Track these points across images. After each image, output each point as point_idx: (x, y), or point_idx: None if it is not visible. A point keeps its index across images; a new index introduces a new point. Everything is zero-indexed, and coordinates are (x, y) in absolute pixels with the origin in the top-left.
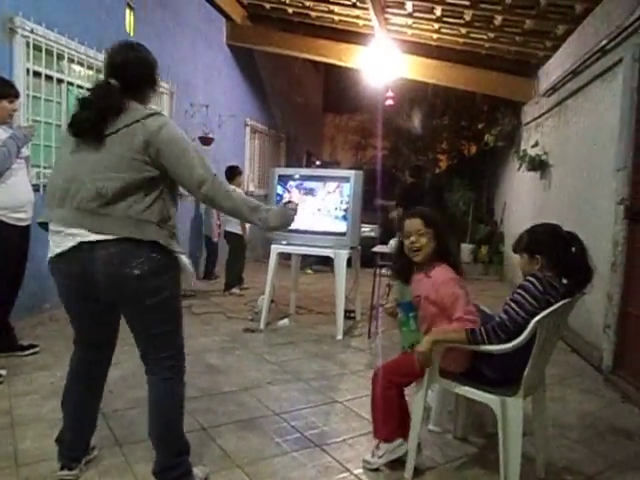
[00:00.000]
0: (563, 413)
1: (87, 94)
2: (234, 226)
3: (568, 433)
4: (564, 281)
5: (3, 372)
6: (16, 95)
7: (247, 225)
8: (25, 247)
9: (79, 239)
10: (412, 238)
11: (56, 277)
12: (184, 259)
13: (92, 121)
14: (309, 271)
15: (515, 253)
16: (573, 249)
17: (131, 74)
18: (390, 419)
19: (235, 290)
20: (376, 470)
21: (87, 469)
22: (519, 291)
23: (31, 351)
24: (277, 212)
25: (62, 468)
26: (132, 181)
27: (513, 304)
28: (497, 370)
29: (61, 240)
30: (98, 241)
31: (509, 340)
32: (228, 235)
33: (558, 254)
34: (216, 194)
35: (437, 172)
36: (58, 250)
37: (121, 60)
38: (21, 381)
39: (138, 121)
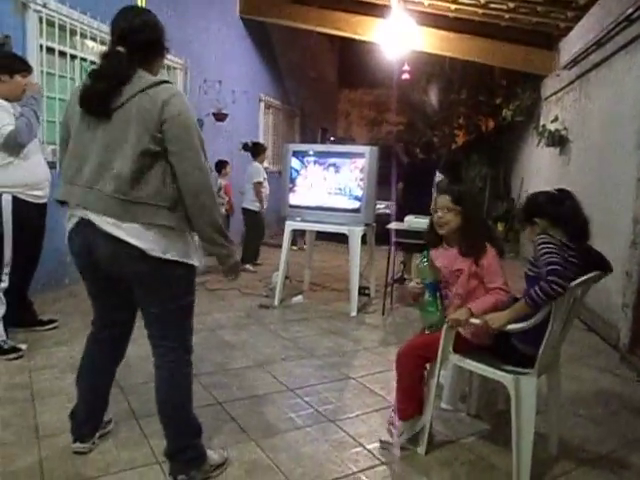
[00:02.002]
0: (578, 391)
1: (96, 65)
2: (250, 202)
3: (582, 411)
4: (571, 244)
5: (23, 346)
6: (29, 70)
7: (264, 200)
8: (42, 224)
9: (80, 215)
10: (439, 213)
11: (71, 253)
12: (195, 240)
13: (100, 94)
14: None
15: (523, 230)
16: (567, 202)
17: (138, 40)
18: (414, 398)
19: (248, 266)
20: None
21: (104, 441)
22: (540, 247)
23: (51, 326)
24: (234, 264)
25: (75, 441)
26: (140, 160)
27: (546, 255)
28: (531, 343)
29: (70, 217)
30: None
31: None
32: (245, 211)
33: (554, 211)
34: (205, 204)
35: (453, 148)
36: (69, 226)
37: (127, 26)
38: (41, 355)
39: (143, 90)
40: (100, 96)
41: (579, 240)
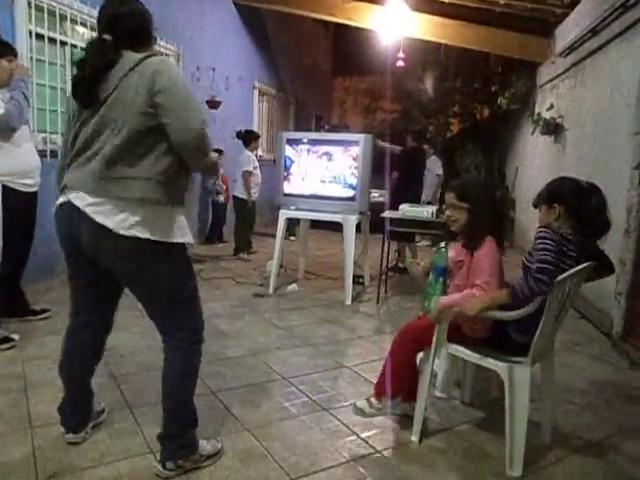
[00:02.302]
0: (571, 379)
1: (82, 54)
2: (240, 190)
3: (575, 399)
4: (578, 242)
5: (16, 337)
6: (14, 54)
7: (252, 190)
8: (33, 213)
9: (67, 197)
10: (448, 212)
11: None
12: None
13: (85, 83)
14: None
15: (535, 208)
16: (593, 200)
17: (124, 27)
18: (402, 379)
19: (243, 255)
20: (382, 433)
21: (98, 431)
22: (538, 242)
23: (43, 315)
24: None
25: (67, 432)
26: (133, 136)
27: (540, 252)
28: (527, 332)
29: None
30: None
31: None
32: (235, 199)
33: (576, 204)
34: (206, 152)
35: (448, 136)
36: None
37: (114, 13)
38: (33, 345)
39: (132, 69)
40: (85, 84)
41: (588, 237)
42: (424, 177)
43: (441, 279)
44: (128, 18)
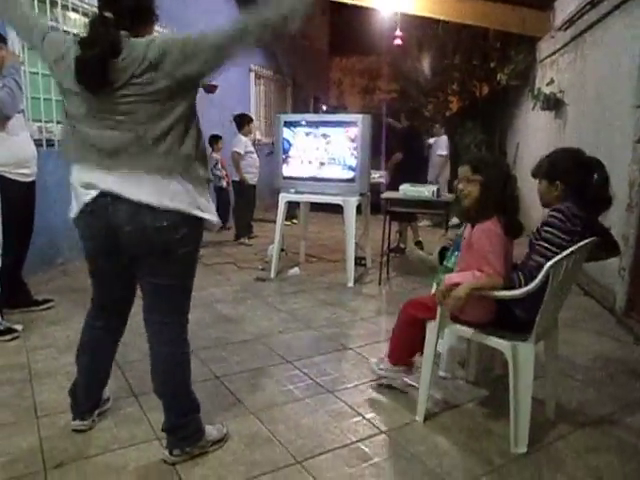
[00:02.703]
0: (575, 355)
1: (85, 33)
2: (236, 174)
3: (579, 375)
4: (580, 213)
5: (19, 327)
6: (4, 42)
7: (250, 174)
8: (32, 203)
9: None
10: (460, 185)
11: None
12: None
13: (94, 63)
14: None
15: (535, 178)
16: (595, 176)
17: (126, 5)
18: (404, 350)
19: (244, 240)
20: (387, 413)
21: (103, 419)
22: (546, 228)
23: (46, 306)
24: None
25: (74, 419)
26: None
27: (545, 243)
28: (530, 310)
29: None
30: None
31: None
32: (233, 183)
33: (579, 180)
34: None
35: (448, 115)
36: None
37: None
38: (37, 335)
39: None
40: (94, 64)
41: (589, 213)
42: (429, 156)
43: (456, 252)
44: None
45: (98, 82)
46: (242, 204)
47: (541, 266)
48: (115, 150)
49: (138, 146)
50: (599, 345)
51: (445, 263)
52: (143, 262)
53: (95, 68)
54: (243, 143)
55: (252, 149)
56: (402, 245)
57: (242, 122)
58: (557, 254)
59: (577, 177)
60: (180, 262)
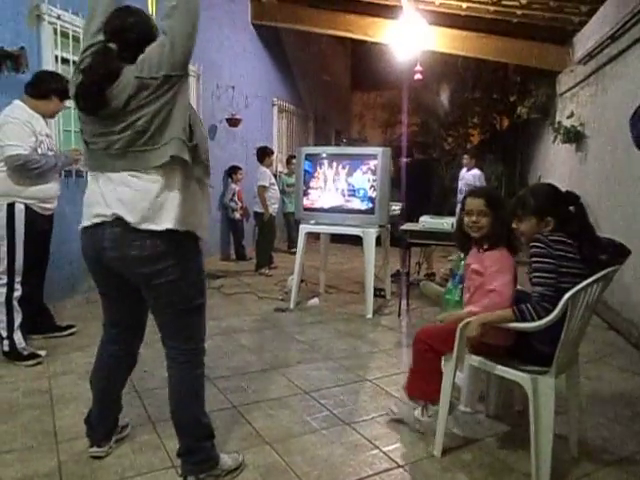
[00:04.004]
0: (599, 391)
1: (86, 60)
2: (257, 205)
3: (603, 412)
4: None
5: (42, 353)
6: (67, 95)
7: (268, 204)
8: (49, 234)
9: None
10: (473, 218)
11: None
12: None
13: (93, 87)
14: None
15: (518, 217)
16: (572, 208)
17: (129, 38)
18: (432, 380)
19: (264, 270)
20: (404, 447)
21: (121, 445)
22: (533, 260)
23: (69, 332)
24: None
25: (92, 445)
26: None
27: (537, 273)
28: (550, 343)
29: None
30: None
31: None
32: (255, 215)
33: (560, 213)
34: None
35: (468, 147)
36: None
37: (120, 23)
38: (59, 361)
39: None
40: (93, 89)
41: (582, 242)
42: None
43: (460, 285)
44: (133, 29)
45: (95, 106)
46: (265, 235)
47: (543, 295)
48: (117, 151)
49: (137, 142)
50: (623, 381)
51: (447, 296)
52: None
53: (92, 93)
54: (268, 176)
55: (274, 181)
56: (430, 270)
57: (263, 154)
58: (554, 279)
59: (558, 210)
60: (169, 288)
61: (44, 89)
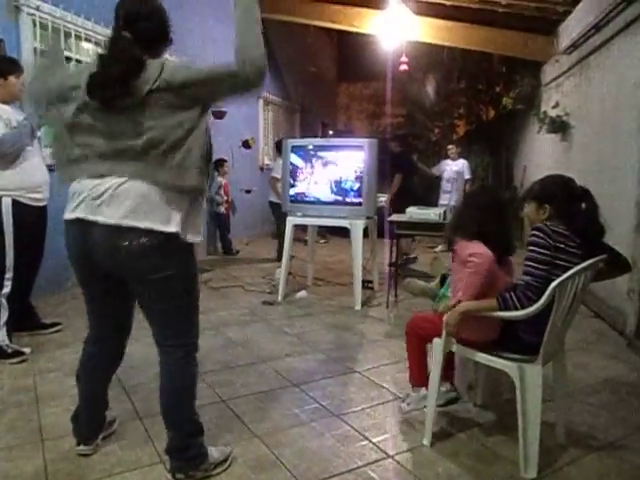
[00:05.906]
0: (585, 378)
1: (105, 50)
2: (273, 196)
3: (590, 398)
4: (577, 240)
5: (27, 350)
6: (21, 70)
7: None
8: (43, 227)
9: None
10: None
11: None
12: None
13: (117, 79)
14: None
15: (524, 202)
16: (583, 205)
17: (144, 27)
18: (414, 366)
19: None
20: (394, 437)
21: (108, 442)
22: (529, 248)
23: (54, 329)
24: None
25: (79, 443)
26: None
27: (529, 262)
28: (535, 333)
29: None
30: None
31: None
32: (270, 205)
33: (567, 207)
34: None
35: (455, 138)
36: None
37: (134, 11)
38: (45, 358)
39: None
40: (116, 80)
41: (583, 239)
42: (454, 181)
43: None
44: (149, 18)
45: (117, 97)
46: (280, 224)
47: (529, 285)
48: (118, 152)
49: (139, 151)
50: (610, 368)
51: (443, 291)
52: (130, 285)
53: (117, 84)
54: (281, 167)
55: None
56: (412, 256)
57: (280, 147)
58: (544, 271)
59: (565, 203)
60: (163, 286)
61: None
